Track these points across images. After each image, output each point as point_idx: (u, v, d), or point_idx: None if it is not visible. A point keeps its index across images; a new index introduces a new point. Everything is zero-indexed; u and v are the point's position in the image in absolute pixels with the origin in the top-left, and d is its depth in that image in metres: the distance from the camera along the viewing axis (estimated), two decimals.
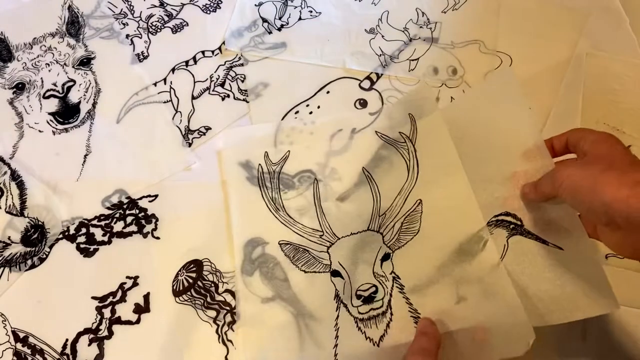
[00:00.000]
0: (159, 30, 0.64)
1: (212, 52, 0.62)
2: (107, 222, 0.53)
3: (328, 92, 0.59)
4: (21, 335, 0.49)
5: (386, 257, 0.50)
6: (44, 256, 0.52)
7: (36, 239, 0.52)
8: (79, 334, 0.49)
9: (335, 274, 0.50)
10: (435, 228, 0.50)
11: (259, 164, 0.55)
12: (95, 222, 0.53)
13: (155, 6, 0.65)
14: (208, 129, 0.58)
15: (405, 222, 0.51)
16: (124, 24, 0.64)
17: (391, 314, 0.48)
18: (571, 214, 0.45)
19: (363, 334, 0.47)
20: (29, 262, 0.51)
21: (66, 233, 0.53)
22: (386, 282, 0.49)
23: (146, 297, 0.50)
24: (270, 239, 0.51)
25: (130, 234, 0.53)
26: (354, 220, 0.52)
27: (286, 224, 0.52)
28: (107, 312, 0.49)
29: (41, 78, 0.60)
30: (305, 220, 0.53)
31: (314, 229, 0.52)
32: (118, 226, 0.53)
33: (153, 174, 0.55)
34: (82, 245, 0.52)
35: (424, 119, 0.55)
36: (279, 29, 0.64)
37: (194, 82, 0.60)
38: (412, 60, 0.61)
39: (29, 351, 0.48)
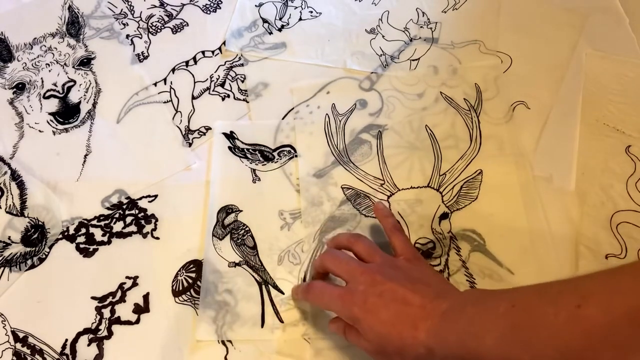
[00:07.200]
0: (159, 30, 0.64)
1: (212, 52, 0.62)
2: (106, 222, 0.53)
3: (328, 93, 0.59)
4: (21, 335, 0.49)
5: (444, 215, 0.51)
6: (44, 256, 0.52)
7: (36, 239, 0.52)
8: (79, 334, 0.49)
9: None
10: (492, 199, 0.51)
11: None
12: (95, 222, 0.53)
13: (156, 6, 0.65)
14: (208, 129, 0.58)
15: (465, 187, 0.52)
16: (124, 24, 0.64)
17: (449, 274, 0.49)
18: None
19: None
20: (29, 262, 0.51)
21: (66, 233, 0.53)
22: (444, 240, 0.50)
23: (146, 297, 0.50)
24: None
25: (129, 234, 0.53)
26: (415, 175, 0.54)
27: (349, 169, 0.54)
28: (106, 312, 0.49)
29: (41, 78, 0.60)
30: (366, 168, 0.54)
31: (376, 177, 0.53)
32: (118, 226, 0.53)
33: (153, 174, 0.55)
34: (81, 246, 0.52)
35: (492, 101, 0.57)
36: (279, 30, 0.64)
37: (194, 82, 0.60)
38: (413, 60, 0.61)
39: (28, 351, 0.48)
